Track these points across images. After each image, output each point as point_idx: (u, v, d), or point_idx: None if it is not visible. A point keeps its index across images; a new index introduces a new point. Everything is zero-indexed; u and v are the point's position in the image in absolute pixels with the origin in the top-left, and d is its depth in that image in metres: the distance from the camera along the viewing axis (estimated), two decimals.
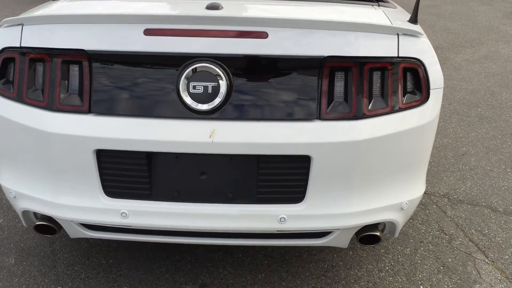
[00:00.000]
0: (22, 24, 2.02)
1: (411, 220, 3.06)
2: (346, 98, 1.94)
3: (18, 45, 2.00)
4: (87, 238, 2.76)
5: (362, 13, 2.25)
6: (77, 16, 1.95)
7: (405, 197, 2.13)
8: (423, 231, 2.96)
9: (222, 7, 2.09)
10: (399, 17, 2.30)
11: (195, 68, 1.89)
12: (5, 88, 2.04)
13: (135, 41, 1.91)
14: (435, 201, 3.29)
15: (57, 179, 2.02)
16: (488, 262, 2.72)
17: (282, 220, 2.01)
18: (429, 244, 2.85)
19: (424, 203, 3.24)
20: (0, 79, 2.06)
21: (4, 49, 2.03)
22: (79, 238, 2.75)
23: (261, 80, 1.93)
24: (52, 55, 1.95)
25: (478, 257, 2.75)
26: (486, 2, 10.86)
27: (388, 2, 2.64)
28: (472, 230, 3.00)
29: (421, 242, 2.86)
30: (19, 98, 2.01)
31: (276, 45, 1.90)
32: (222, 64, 1.90)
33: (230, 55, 1.90)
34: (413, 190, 2.16)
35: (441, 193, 3.38)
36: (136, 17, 1.92)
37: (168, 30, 1.90)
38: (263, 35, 1.90)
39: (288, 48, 1.90)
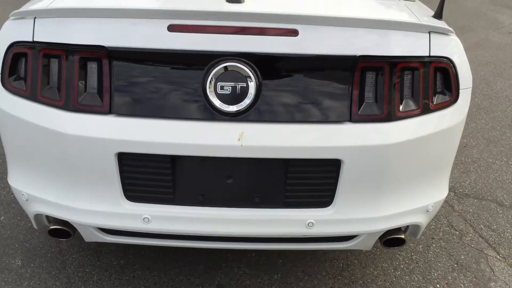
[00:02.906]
0: (35, 17, 1.89)
1: None
2: (377, 99, 1.88)
3: (30, 40, 1.87)
4: None
5: (386, 8, 2.18)
6: (96, 10, 1.83)
7: (431, 199, 2.09)
8: (433, 226, 2.95)
9: (244, 0, 1.99)
10: (423, 12, 2.23)
11: (223, 67, 1.80)
12: (17, 85, 1.92)
13: (158, 38, 1.81)
14: None
15: (75, 183, 1.92)
16: (500, 259, 2.73)
17: (310, 225, 1.96)
18: (441, 241, 2.84)
19: None
20: (10, 76, 1.93)
21: (15, 43, 1.90)
22: None
23: (291, 80, 1.85)
24: (68, 51, 1.84)
25: (489, 254, 2.76)
26: None
27: None
28: (481, 226, 3.00)
29: (432, 238, 2.85)
30: (33, 96, 1.89)
31: (307, 43, 1.82)
32: (251, 63, 1.81)
33: (258, 54, 1.81)
34: (438, 192, 2.12)
35: None
36: (159, 12, 1.81)
37: (193, 27, 1.80)
38: (293, 32, 1.82)
39: (319, 47, 1.82)
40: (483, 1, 9.43)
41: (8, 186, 3.08)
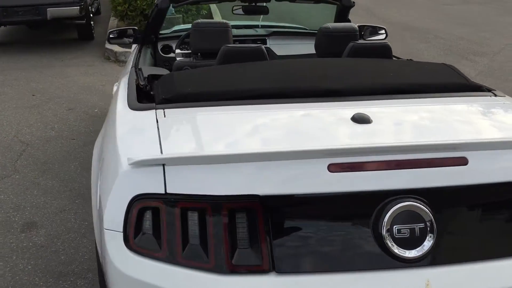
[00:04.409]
0: (163, 164, 1.62)
1: None
2: None
3: (162, 192, 1.60)
4: None
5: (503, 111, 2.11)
6: (246, 155, 1.60)
7: None
8: None
9: (372, 120, 1.84)
10: None
11: (399, 207, 1.60)
12: (147, 245, 1.61)
13: (318, 180, 1.60)
14: None
15: None
16: None
17: None
18: None
19: None
20: (136, 234, 1.62)
21: (140, 196, 1.61)
22: None
23: (465, 213, 1.69)
24: (213, 203, 1.57)
25: None
26: (424, 39, 11.36)
27: (494, 89, 2.52)
28: None
29: None
30: (172, 258, 1.59)
31: (478, 172, 1.67)
32: (425, 200, 1.63)
33: (429, 189, 1.64)
34: None
35: None
36: (317, 152, 1.61)
37: (357, 164, 1.61)
38: (463, 161, 1.66)
39: (491, 174, 1.68)
40: (439, 53, 9.76)
41: None
